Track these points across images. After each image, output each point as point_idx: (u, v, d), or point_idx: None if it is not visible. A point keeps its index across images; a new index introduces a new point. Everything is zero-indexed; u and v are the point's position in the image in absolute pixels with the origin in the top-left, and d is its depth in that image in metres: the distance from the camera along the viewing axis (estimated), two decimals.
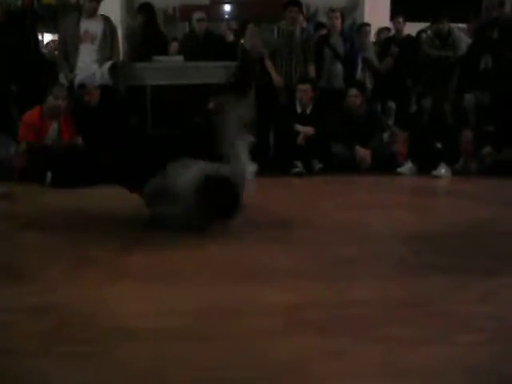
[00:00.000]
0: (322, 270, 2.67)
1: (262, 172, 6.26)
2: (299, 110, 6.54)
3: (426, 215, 4.12)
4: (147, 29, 6.98)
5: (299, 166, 6.19)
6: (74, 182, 4.88)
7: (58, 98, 5.68)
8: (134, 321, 2.03)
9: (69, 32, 6.34)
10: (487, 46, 6.70)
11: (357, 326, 2.00)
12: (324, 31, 7.40)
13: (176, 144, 3.55)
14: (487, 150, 6.35)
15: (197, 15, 7.35)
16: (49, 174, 5.23)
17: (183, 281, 2.51)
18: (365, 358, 1.75)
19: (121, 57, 6.79)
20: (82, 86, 6.11)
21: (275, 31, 6.90)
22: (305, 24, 7.55)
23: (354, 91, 6.65)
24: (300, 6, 7.01)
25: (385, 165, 6.32)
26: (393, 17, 8.69)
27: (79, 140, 5.64)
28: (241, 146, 3.53)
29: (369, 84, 7.58)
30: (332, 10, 7.34)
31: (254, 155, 6.33)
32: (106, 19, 6.41)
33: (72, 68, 6.25)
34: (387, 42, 7.91)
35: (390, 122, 7.57)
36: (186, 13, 9.68)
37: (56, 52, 7.21)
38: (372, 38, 8.25)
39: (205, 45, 7.16)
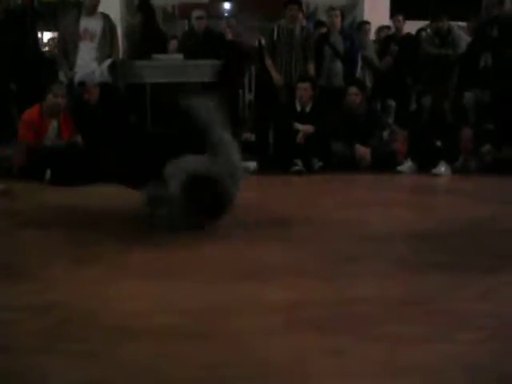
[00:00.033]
0: (322, 268, 2.67)
1: (261, 170, 6.30)
2: (299, 108, 6.54)
3: (426, 213, 4.12)
4: (146, 27, 6.98)
5: (299, 165, 6.18)
6: (73, 180, 4.88)
7: (58, 96, 5.67)
8: (135, 319, 2.03)
9: (68, 30, 6.33)
10: (487, 44, 6.69)
11: (357, 324, 2.00)
12: (324, 29, 7.40)
13: (175, 141, 3.53)
14: (487, 148, 6.35)
15: (196, 13, 7.34)
16: (48, 172, 5.23)
17: (183, 279, 2.51)
18: (365, 357, 1.75)
19: (120, 55, 6.79)
20: (82, 83, 6.10)
21: (275, 29, 6.91)
22: (304, 22, 7.55)
23: (353, 89, 6.65)
24: (300, 4, 7.01)
25: (385, 163, 6.32)
26: (392, 15, 8.68)
27: (79, 138, 5.63)
28: (230, 145, 3.49)
29: (368, 82, 7.58)
30: (332, 9, 7.34)
31: (254, 153, 6.39)
32: (106, 17, 6.41)
33: (71, 66, 6.25)
34: (387, 40, 7.90)
35: (390, 120, 7.57)
36: (185, 11, 9.68)
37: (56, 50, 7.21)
38: (372, 36, 8.25)
39: (204, 43, 7.15)
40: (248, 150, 6.37)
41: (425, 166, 6.17)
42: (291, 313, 2.11)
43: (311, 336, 1.90)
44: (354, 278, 2.52)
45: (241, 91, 7.08)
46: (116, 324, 1.99)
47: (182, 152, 3.37)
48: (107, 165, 3.81)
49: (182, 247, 3.03)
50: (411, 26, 8.05)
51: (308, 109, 6.52)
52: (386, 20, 9.07)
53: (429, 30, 7.56)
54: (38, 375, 1.64)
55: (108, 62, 6.30)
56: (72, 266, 2.69)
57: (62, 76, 6.31)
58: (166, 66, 6.77)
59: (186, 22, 9.36)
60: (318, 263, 2.76)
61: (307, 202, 4.71)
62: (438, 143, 6.27)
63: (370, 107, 7.04)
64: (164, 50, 7.26)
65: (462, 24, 8.01)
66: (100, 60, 6.28)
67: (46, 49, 8.53)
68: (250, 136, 6.67)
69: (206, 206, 3.27)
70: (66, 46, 6.32)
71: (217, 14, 10.83)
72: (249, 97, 7.13)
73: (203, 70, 6.76)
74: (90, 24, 6.27)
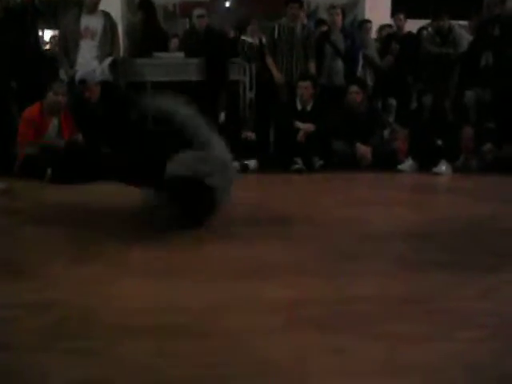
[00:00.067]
0: (322, 267, 2.67)
1: (262, 169, 6.30)
2: (299, 106, 6.54)
3: (427, 212, 4.12)
4: (147, 25, 6.97)
5: (299, 163, 6.18)
6: (73, 178, 4.88)
7: (58, 94, 5.68)
8: (135, 317, 2.03)
9: (69, 28, 6.33)
10: (488, 42, 6.69)
11: (357, 323, 2.00)
12: (325, 28, 7.40)
13: (176, 139, 3.52)
14: (488, 146, 6.35)
15: (197, 12, 7.34)
16: (49, 170, 5.23)
17: (183, 277, 2.51)
18: (365, 355, 1.75)
19: (121, 53, 6.79)
20: (83, 82, 6.10)
21: (276, 28, 6.90)
22: (306, 21, 7.55)
23: (354, 88, 6.65)
24: (301, 2, 7.01)
25: (385, 162, 6.32)
26: (394, 14, 8.67)
27: (79, 136, 5.63)
28: (217, 143, 3.47)
29: (369, 81, 7.57)
30: (333, 7, 7.34)
31: (255, 152, 6.38)
32: (107, 15, 6.41)
33: (72, 64, 6.25)
34: (388, 38, 7.90)
35: (391, 118, 7.57)
36: (186, 9, 9.68)
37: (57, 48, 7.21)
38: (373, 34, 8.24)
39: (205, 41, 7.14)
40: (249, 149, 6.39)
41: (425, 164, 6.17)
42: (291, 311, 2.11)
43: (311, 334, 1.90)
44: (354, 277, 2.52)
45: (241, 90, 7.07)
46: (116, 322, 1.99)
47: (182, 149, 3.37)
48: (108, 163, 3.81)
49: (183, 246, 3.03)
50: (412, 25, 8.04)
51: (309, 107, 6.52)
52: (387, 18, 9.06)
53: (430, 29, 7.56)
54: (37, 373, 1.64)
55: (109, 60, 6.30)
56: (72, 264, 2.69)
57: (62, 74, 6.32)
58: (167, 65, 6.77)
59: (187, 20, 9.36)
60: (319, 262, 2.76)
61: (308, 200, 4.71)
62: (439, 142, 6.27)
63: (371, 106, 7.04)
64: (165, 48, 7.26)
65: (463, 23, 8.00)
66: (101, 58, 6.28)
67: (48, 47, 8.53)
68: (250, 134, 6.67)
69: (191, 206, 3.22)
70: (67, 44, 6.32)
71: (218, 12, 10.83)
72: (249, 95, 7.12)
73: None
74: (91, 22, 6.27)
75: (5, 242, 3.16)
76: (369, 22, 8.16)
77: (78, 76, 6.16)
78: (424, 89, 6.81)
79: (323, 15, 8.76)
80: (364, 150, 6.45)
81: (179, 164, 3.28)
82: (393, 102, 7.73)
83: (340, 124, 6.49)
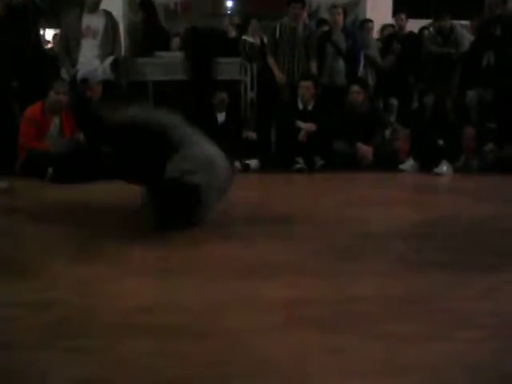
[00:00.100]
0: (322, 267, 2.67)
1: (263, 168, 6.30)
2: (301, 106, 6.54)
3: (428, 212, 4.12)
4: (148, 24, 6.98)
5: (300, 163, 6.19)
6: (74, 177, 4.88)
7: (60, 93, 5.68)
8: (135, 316, 2.03)
9: (71, 27, 6.34)
10: (490, 42, 6.69)
11: (357, 323, 2.00)
12: (326, 28, 7.40)
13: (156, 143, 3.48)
14: (489, 147, 6.35)
15: None
16: (50, 170, 5.23)
17: (184, 277, 2.51)
18: (365, 355, 1.75)
19: (122, 52, 6.79)
20: (85, 81, 6.11)
21: (277, 27, 6.90)
22: (307, 20, 7.55)
23: (355, 88, 6.65)
24: (303, 2, 7.01)
25: (386, 162, 6.32)
26: (395, 13, 8.67)
27: (81, 136, 5.63)
28: (202, 144, 3.43)
29: (371, 81, 7.57)
30: (334, 6, 7.34)
31: (256, 151, 6.39)
32: (108, 14, 6.41)
33: (74, 63, 6.25)
34: (389, 38, 7.90)
35: (392, 118, 7.57)
36: (187, 8, 9.68)
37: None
38: (375, 34, 8.24)
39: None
40: (250, 148, 6.40)
41: (427, 164, 6.17)
42: (291, 311, 2.11)
43: (311, 334, 1.90)
44: (354, 277, 2.52)
45: (243, 89, 7.08)
46: (116, 321, 1.99)
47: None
48: (109, 161, 3.80)
49: (183, 245, 3.03)
50: (414, 25, 8.04)
51: (310, 107, 6.52)
52: (388, 18, 9.07)
53: (431, 29, 7.56)
54: (37, 372, 1.64)
55: (110, 59, 6.31)
56: (72, 263, 2.69)
57: (63, 73, 6.32)
58: (169, 64, 6.77)
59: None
60: (319, 261, 2.76)
61: (308, 200, 4.71)
62: (440, 142, 6.27)
63: (372, 106, 7.04)
64: (166, 47, 7.26)
65: (465, 23, 8.00)
66: (102, 57, 6.29)
67: (50, 46, 8.54)
68: (251, 134, 6.68)
69: (173, 205, 3.17)
70: (68, 44, 6.32)
71: (219, 12, 10.83)
72: (251, 95, 7.13)
73: None
74: (93, 21, 6.28)
75: (5, 241, 3.16)
76: (370, 21, 8.16)
77: (79, 75, 6.17)
78: (425, 89, 6.81)
79: (324, 15, 8.76)
80: (365, 149, 6.46)
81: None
82: (394, 101, 7.73)
83: (341, 124, 6.49)
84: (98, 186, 4.54)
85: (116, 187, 3.80)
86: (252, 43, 7.40)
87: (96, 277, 2.49)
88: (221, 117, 6.51)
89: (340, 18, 7.15)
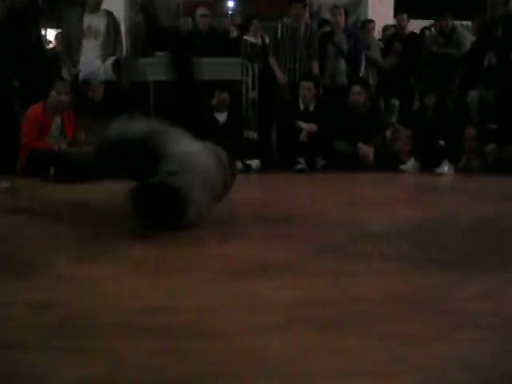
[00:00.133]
0: (323, 266, 2.67)
1: (264, 168, 6.30)
2: (302, 106, 6.54)
3: (429, 212, 4.11)
4: (150, 25, 6.98)
5: (302, 163, 6.19)
6: (76, 177, 4.89)
7: (61, 93, 5.69)
8: (135, 316, 2.02)
9: (72, 27, 6.34)
10: (491, 43, 6.69)
11: (358, 323, 1.99)
12: (328, 28, 7.40)
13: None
14: (490, 147, 6.35)
15: (200, 11, 7.35)
16: (51, 169, 5.24)
17: (183, 276, 2.51)
18: (366, 355, 1.75)
19: (124, 52, 6.80)
20: (86, 81, 6.12)
21: (279, 28, 6.90)
22: (309, 21, 7.56)
23: (357, 88, 6.66)
24: (304, 2, 7.01)
25: (387, 162, 6.33)
26: (396, 14, 8.67)
27: (82, 136, 5.65)
28: (185, 146, 3.38)
29: (372, 81, 7.58)
30: (336, 7, 7.35)
31: (257, 151, 6.39)
32: (110, 14, 6.42)
33: (75, 63, 6.26)
34: (391, 39, 7.90)
35: (393, 119, 7.58)
36: (189, 9, 9.68)
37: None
38: (376, 34, 8.25)
39: (208, 41, 7.16)
40: (251, 149, 6.40)
41: (428, 165, 6.17)
42: (292, 311, 2.11)
43: (312, 334, 1.90)
44: (355, 277, 2.52)
45: (244, 89, 7.08)
46: (117, 321, 1.99)
47: None
48: (111, 161, 3.79)
49: (183, 245, 3.03)
50: (415, 25, 8.05)
51: (311, 107, 6.53)
52: (390, 19, 9.07)
53: (433, 29, 7.57)
54: (38, 372, 1.64)
55: (112, 59, 6.31)
56: (73, 263, 2.69)
57: (65, 73, 6.33)
58: None
59: (190, 19, 9.37)
60: (320, 261, 2.75)
61: (309, 200, 4.71)
62: (442, 142, 6.27)
63: (374, 106, 7.05)
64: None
65: (466, 23, 8.00)
66: (103, 57, 6.30)
67: (51, 46, 8.55)
68: (253, 134, 6.68)
69: (154, 213, 3.09)
70: (70, 44, 6.33)
71: (221, 12, 10.83)
72: (252, 95, 7.13)
73: (207, 68, 6.75)
74: (94, 21, 6.28)
75: (6, 240, 3.16)
76: (371, 22, 8.17)
77: (81, 75, 6.18)
78: (427, 89, 6.82)
79: (326, 15, 8.77)
80: (366, 150, 6.46)
81: None
82: (395, 102, 7.74)
83: (342, 124, 6.50)
84: (99, 185, 4.54)
85: (117, 186, 3.79)
86: (253, 43, 7.40)
87: (96, 277, 2.49)
88: (222, 117, 6.51)
89: (342, 18, 7.16)
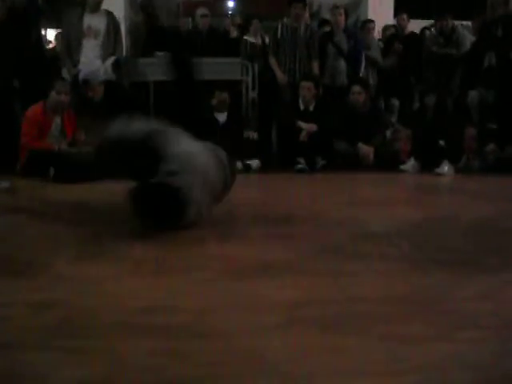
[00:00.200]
0: (323, 266, 2.67)
1: (264, 168, 6.30)
2: (302, 106, 6.54)
3: (429, 212, 4.11)
4: (150, 25, 6.99)
5: (302, 163, 6.19)
6: (76, 177, 4.89)
7: (61, 93, 5.69)
8: (135, 317, 2.02)
9: (72, 27, 6.34)
10: (491, 43, 6.69)
11: (358, 323, 1.99)
12: (328, 28, 7.40)
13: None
14: (490, 147, 6.35)
15: (200, 11, 7.35)
16: (51, 169, 5.24)
17: (183, 276, 2.51)
18: (365, 355, 1.75)
19: (124, 52, 6.80)
20: (86, 81, 6.12)
21: (279, 27, 6.90)
22: (309, 21, 7.56)
23: (357, 88, 6.66)
24: (304, 2, 7.01)
25: (387, 162, 6.33)
26: (396, 14, 8.67)
27: (82, 136, 5.65)
28: (185, 145, 3.37)
29: (372, 81, 7.58)
30: (336, 7, 7.34)
31: (257, 151, 6.39)
32: (110, 14, 6.42)
33: (75, 63, 6.26)
34: (391, 39, 7.90)
35: (393, 119, 7.58)
36: (189, 8, 9.69)
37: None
38: (376, 34, 8.25)
39: (208, 41, 7.16)
40: (251, 148, 6.40)
41: (428, 165, 6.17)
42: (292, 311, 2.10)
43: (312, 334, 1.90)
44: (355, 277, 2.52)
45: (244, 89, 7.08)
46: (117, 321, 1.99)
47: None
48: (111, 161, 3.79)
49: (183, 245, 3.03)
50: (415, 25, 8.05)
51: (311, 107, 6.53)
52: (390, 19, 9.07)
53: (433, 29, 7.57)
54: (38, 372, 1.64)
55: (112, 59, 6.31)
56: (73, 263, 2.69)
57: (65, 73, 6.33)
58: None
59: (190, 19, 9.37)
60: (320, 261, 2.75)
61: (309, 200, 4.71)
62: (442, 142, 6.27)
63: (374, 106, 7.05)
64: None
65: (466, 23, 8.00)
66: (104, 57, 6.29)
67: (52, 46, 8.55)
68: (253, 134, 6.68)
69: (153, 213, 3.09)
70: (70, 43, 6.33)
71: (221, 12, 10.84)
72: (252, 95, 7.13)
73: (207, 68, 6.75)
74: (94, 21, 6.28)
75: (6, 240, 3.16)
76: (371, 22, 8.17)
77: (81, 75, 6.18)
78: (427, 89, 6.82)
79: (326, 15, 8.77)
80: (366, 150, 6.46)
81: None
82: (395, 102, 7.74)
83: (342, 124, 6.50)
84: (99, 185, 4.54)
85: (118, 186, 3.79)
86: (253, 43, 7.40)
87: (96, 277, 2.49)
88: (222, 117, 6.51)
89: (341, 18, 7.17)
